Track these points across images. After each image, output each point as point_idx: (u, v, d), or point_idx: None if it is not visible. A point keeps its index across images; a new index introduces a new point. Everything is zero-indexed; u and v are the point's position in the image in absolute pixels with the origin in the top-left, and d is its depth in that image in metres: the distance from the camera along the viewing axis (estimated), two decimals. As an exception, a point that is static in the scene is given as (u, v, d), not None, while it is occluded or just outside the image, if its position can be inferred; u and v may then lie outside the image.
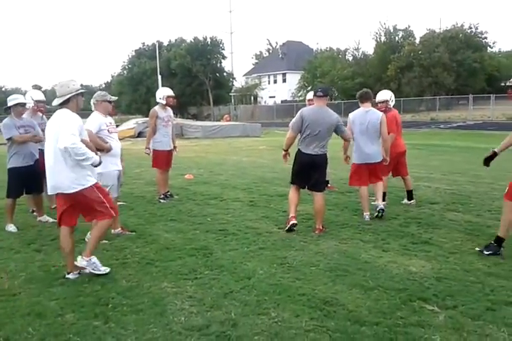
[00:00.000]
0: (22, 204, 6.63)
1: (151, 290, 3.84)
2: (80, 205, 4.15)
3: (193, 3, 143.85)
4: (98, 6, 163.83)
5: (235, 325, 3.21)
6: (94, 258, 4.19)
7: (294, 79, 53.95)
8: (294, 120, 5.57)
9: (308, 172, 5.47)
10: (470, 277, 3.96)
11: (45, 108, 6.76)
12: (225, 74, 54.06)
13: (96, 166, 4.15)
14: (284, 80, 59.66)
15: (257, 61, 77.46)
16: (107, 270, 4.20)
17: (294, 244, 5.01)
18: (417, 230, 5.47)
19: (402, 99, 34.62)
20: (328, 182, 8.19)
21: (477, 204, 6.84)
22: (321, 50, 54.40)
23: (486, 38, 45.79)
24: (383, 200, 6.60)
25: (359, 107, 6.32)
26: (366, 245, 4.94)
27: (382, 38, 47.09)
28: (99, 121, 5.28)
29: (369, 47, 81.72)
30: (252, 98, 57.83)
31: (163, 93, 7.41)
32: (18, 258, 4.75)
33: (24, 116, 6.41)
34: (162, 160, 7.38)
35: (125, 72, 56.00)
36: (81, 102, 4.25)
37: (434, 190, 7.93)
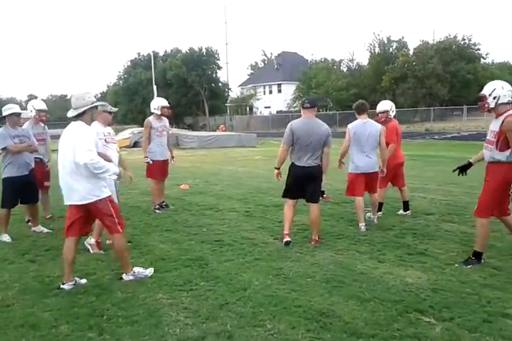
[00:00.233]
0: (16, 214, 6.59)
1: (146, 301, 3.82)
2: (90, 217, 4.22)
3: (189, 14, 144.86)
4: (94, 16, 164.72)
5: (231, 336, 3.19)
6: (136, 268, 4.38)
7: (289, 89, 54.23)
8: (284, 134, 5.49)
9: (303, 184, 5.44)
10: (466, 288, 3.96)
11: (47, 117, 6.78)
12: (220, 84, 54.35)
13: (118, 178, 4.28)
14: (280, 91, 59.92)
15: (252, 71, 77.87)
16: (151, 271, 4.43)
17: (290, 255, 5.00)
18: (412, 241, 5.47)
19: (396, 109, 34.75)
20: (323, 192, 8.22)
21: (472, 215, 6.83)
22: (315, 60, 54.80)
23: (479, 49, 46.35)
24: (380, 210, 6.69)
25: (355, 118, 6.37)
26: (362, 256, 4.94)
27: (377, 49, 47.57)
28: (96, 130, 5.28)
29: (363, 59, 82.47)
30: (248, 108, 58.07)
31: (157, 103, 7.44)
32: (12, 269, 4.72)
33: (25, 125, 6.44)
34: (156, 170, 7.38)
35: (121, 82, 56.18)
36: (95, 115, 4.37)
37: (429, 201, 7.95)
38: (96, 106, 4.34)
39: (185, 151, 20.97)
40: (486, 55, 48.14)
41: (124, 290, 4.05)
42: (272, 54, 75.88)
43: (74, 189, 4.06)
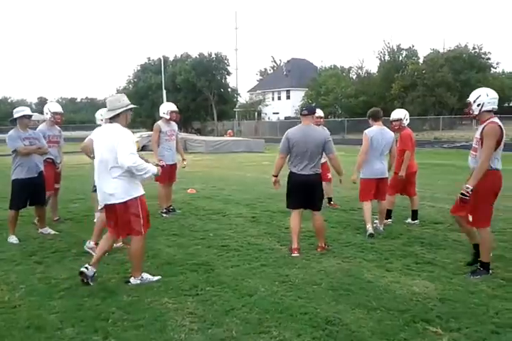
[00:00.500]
0: (24, 215, 6.62)
1: (151, 305, 3.81)
2: (120, 217, 4.24)
3: (199, 19, 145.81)
4: (105, 19, 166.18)
5: (236, 343, 3.17)
6: (145, 275, 4.37)
7: (297, 96, 54.27)
8: (281, 142, 5.41)
9: (304, 193, 5.32)
10: (474, 299, 3.91)
11: (62, 120, 6.84)
12: (229, 90, 54.53)
13: (156, 175, 4.32)
14: (288, 97, 59.98)
15: (261, 77, 78.10)
16: (159, 278, 4.42)
17: (296, 261, 4.98)
18: (420, 250, 5.43)
19: (407, 118, 34.71)
20: (330, 199, 8.21)
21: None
22: (325, 67, 54.85)
23: (489, 58, 46.16)
24: (389, 218, 6.74)
25: (364, 125, 6.48)
26: (369, 264, 4.90)
27: (386, 57, 47.53)
28: None
29: (373, 66, 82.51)
30: (256, 114, 58.15)
31: (167, 108, 7.48)
32: (18, 270, 4.74)
33: (40, 127, 6.50)
34: (164, 174, 7.35)
35: (130, 86, 56.53)
36: (129, 117, 4.39)
37: (437, 210, 7.89)
38: (131, 109, 4.38)
39: (192, 156, 20.99)
40: (497, 64, 47.90)
41: (129, 294, 4.05)
42: (281, 60, 76.11)
43: (111, 188, 4.15)
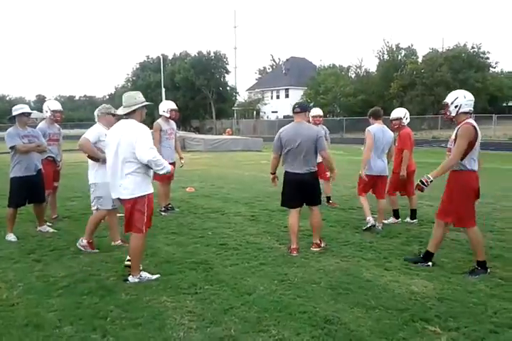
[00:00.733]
0: (23, 213, 6.61)
1: (150, 304, 3.81)
2: (126, 212, 4.29)
3: (199, 17, 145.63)
4: (104, 18, 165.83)
5: (235, 342, 3.16)
6: (143, 273, 4.37)
7: (296, 94, 54.26)
8: (273, 142, 5.40)
9: (300, 192, 5.28)
10: (472, 298, 3.92)
11: (62, 118, 6.82)
12: (228, 88, 54.53)
13: (167, 173, 4.40)
14: (287, 96, 59.96)
15: (260, 76, 78.09)
16: (158, 276, 4.41)
17: (295, 260, 4.97)
18: (418, 249, 5.42)
19: (405, 117, 34.75)
20: (329, 198, 8.22)
21: (479, 224, 6.72)
22: (324, 66, 54.83)
23: (488, 58, 46.20)
24: (398, 217, 6.84)
25: (363, 124, 6.57)
26: (368, 263, 4.90)
27: (385, 56, 47.54)
28: (99, 132, 5.33)
29: (372, 65, 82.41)
30: (255, 112, 58.13)
31: (166, 106, 7.46)
32: (17, 268, 4.72)
33: (40, 125, 6.49)
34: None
35: (129, 84, 56.54)
36: (144, 114, 4.48)
37: (436, 209, 7.87)
38: (145, 106, 4.45)
39: (191, 154, 21.00)
40: (496, 63, 47.96)
41: (128, 292, 4.04)
42: (280, 59, 76.15)
43: (123, 184, 4.22)
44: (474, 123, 4.54)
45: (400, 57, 47.09)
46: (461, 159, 4.53)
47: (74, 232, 6.05)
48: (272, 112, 58.26)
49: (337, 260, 5.01)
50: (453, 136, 4.64)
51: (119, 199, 4.37)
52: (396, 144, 6.74)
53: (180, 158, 7.70)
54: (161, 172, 4.29)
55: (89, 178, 5.39)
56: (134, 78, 55.84)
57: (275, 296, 3.94)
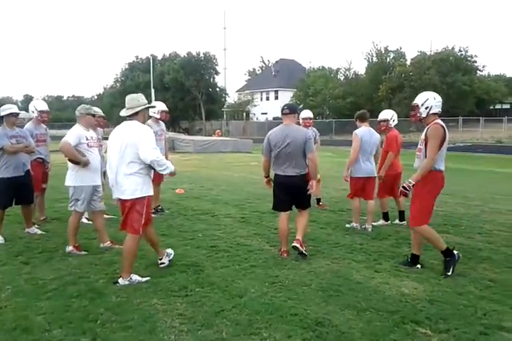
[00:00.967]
0: (10, 215, 6.52)
1: (140, 306, 3.78)
2: (124, 210, 4.34)
3: (188, 18, 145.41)
4: (93, 17, 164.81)
5: (227, 344, 3.15)
6: (133, 276, 4.33)
7: (286, 96, 54.33)
8: (263, 144, 5.35)
9: (290, 195, 5.22)
10: (462, 300, 3.95)
11: (49, 118, 6.75)
12: (217, 89, 54.54)
13: (172, 175, 4.47)
14: (277, 97, 60.03)
15: (249, 77, 78.13)
16: (148, 278, 4.40)
17: (286, 262, 4.97)
18: (408, 251, 5.42)
19: (393, 119, 35.00)
20: (319, 200, 8.23)
21: (467, 226, 6.87)
22: (313, 68, 55.03)
23: (475, 61, 46.70)
24: (386, 220, 6.90)
25: (351, 126, 6.68)
26: (358, 265, 4.92)
27: (374, 59, 47.85)
28: (79, 134, 5.29)
29: (360, 67, 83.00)
30: (244, 114, 58.16)
31: (157, 107, 7.42)
32: (4, 271, 4.66)
33: (27, 126, 6.42)
34: (154, 174, 7.33)
35: (118, 84, 56.30)
36: (146, 116, 4.60)
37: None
38: (148, 108, 4.54)
39: (180, 155, 20.92)
40: (483, 67, 48.55)
41: (118, 295, 4.01)
42: (269, 61, 76.26)
43: (124, 185, 4.27)
44: (443, 124, 4.61)
45: (388, 59, 47.41)
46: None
47: (62, 234, 5.97)
48: (262, 114, 58.31)
49: (328, 262, 5.01)
50: (422, 137, 4.69)
51: (119, 199, 4.38)
52: (383, 146, 6.80)
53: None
54: (164, 173, 4.35)
55: (66, 180, 5.36)
56: (122, 78, 55.60)
57: (266, 298, 3.93)
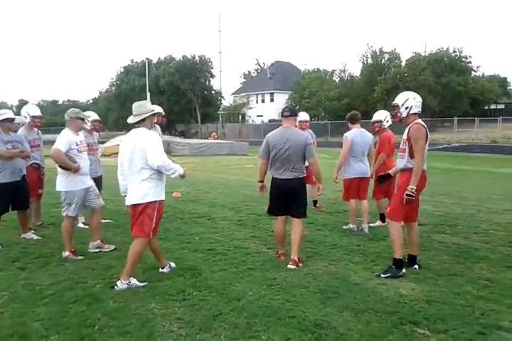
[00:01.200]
0: (6, 220, 6.49)
1: (138, 311, 3.76)
2: (135, 215, 4.36)
3: (183, 22, 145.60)
4: (88, 21, 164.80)
5: (225, 348, 3.15)
6: (132, 280, 4.34)
7: (281, 98, 54.45)
8: (261, 146, 5.23)
9: (286, 198, 5.06)
10: (460, 300, 3.95)
11: (42, 123, 6.72)
12: (213, 92, 54.55)
13: (182, 177, 4.47)
14: (272, 100, 60.14)
15: (245, 80, 78.16)
16: (146, 283, 4.40)
17: (284, 264, 4.96)
18: (405, 252, 5.42)
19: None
20: (316, 202, 8.24)
21: (464, 226, 6.89)
22: (308, 70, 55.12)
23: (470, 62, 46.84)
24: (383, 221, 6.84)
25: (346, 128, 6.81)
26: (356, 266, 4.92)
27: (369, 60, 47.95)
28: (69, 139, 5.28)
29: (355, 69, 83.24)
30: (240, 117, 58.19)
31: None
32: (1, 277, 4.64)
33: (20, 131, 6.40)
34: None
35: (113, 88, 56.19)
36: (153, 122, 4.64)
37: (421, 212, 7.83)
38: (155, 114, 4.60)
39: (176, 158, 20.88)
40: (477, 67, 48.65)
41: (115, 300, 3.99)
42: (264, 63, 76.39)
43: (135, 191, 4.33)
44: (424, 124, 4.63)
45: (383, 61, 47.49)
46: (411, 158, 4.60)
47: (59, 239, 5.94)
48: (257, 116, 58.39)
49: (325, 264, 5.02)
50: (404, 137, 4.70)
51: (131, 205, 4.39)
52: (376, 147, 6.82)
53: None
54: (173, 176, 4.37)
55: (57, 185, 5.37)
56: (118, 82, 55.49)
57: (264, 301, 3.93)
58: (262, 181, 5.31)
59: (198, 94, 50.05)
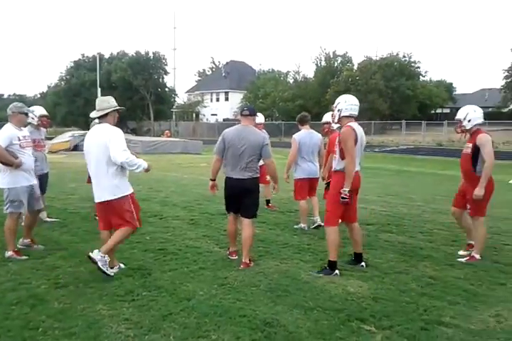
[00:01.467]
0: None
1: (84, 312, 3.66)
2: (113, 212, 4.49)
3: (137, 17, 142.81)
4: (37, 12, 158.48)
5: (174, 348, 3.11)
6: (107, 257, 4.44)
7: (236, 98, 54.55)
8: (216, 143, 5.14)
9: (238, 197, 5.00)
10: (405, 297, 4.09)
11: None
12: (166, 89, 53.87)
13: (147, 171, 4.56)
14: (227, 99, 60.11)
15: (200, 78, 77.64)
16: (112, 274, 4.47)
17: (235, 264, 4.97)
18: (353, 250, 5.58)
19: (339, 122, 35.78)
20: (268, 201, 8.30)
21: (410, 225, 7.13)
22: (263, 71, 55.48)
23: (418, 67, 48.69)
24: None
25: (298, 129, 6.94)
26: (306, 265, 4.99)
27: (322, 63, 48.84)
28: (10, 134, 5.07)
29: (309, 71, 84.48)
30: (194, 115, 57.76)
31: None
32: None
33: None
34: None
35: (62, 83, 54.37)
36: (116, 118, 4.64)
37: (369, 212, 8.18)
38: (118, 110, 4.60)
39: (128, 156, 20.48)
40: (425, 72, 50.66)
41: (61, 301, 3.87)
42: (220, 62, 76.12)
43: (104, 187, 4.42)
44: (354, 126, 4.69)
45: (336, 64, 48.52)
46: (342, 159, 4.71)
47: (1, 239, 5.71)
48: (212, 115, 58.17)
49: (276, 262, 5.06)
50: (337, 140, 4.84)
51: (102, 202, 4.46)
52: (326, 148, 6.96)
53: None
54: (137, 171, 4.44)
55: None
56: (67, 77, 53.70)
57: (215, 301, 3.92)
58: (214, 180, 5.21)
59: (151, 91, 49.31)
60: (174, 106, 56.37)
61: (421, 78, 49.77)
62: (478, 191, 5.00)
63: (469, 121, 5.22)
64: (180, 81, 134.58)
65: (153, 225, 6.79)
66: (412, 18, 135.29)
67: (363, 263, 4.98)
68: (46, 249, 5.40)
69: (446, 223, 7.25)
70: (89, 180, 7.07)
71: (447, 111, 54.22)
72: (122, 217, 4.46)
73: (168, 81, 55.87)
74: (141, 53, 50.66)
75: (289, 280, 4.48)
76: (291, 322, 3.54)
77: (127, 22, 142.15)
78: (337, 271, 4.69)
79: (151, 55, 50.75)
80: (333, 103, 4.94)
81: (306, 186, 6.76)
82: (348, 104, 4.77)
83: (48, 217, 6.97)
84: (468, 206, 5.27)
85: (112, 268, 4.59)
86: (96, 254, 4.36)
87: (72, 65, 54.42)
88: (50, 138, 23.08)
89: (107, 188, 4.41)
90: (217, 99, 61.66)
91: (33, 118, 6.32)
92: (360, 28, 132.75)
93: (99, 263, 4.34)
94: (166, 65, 52.57)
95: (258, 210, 5.23)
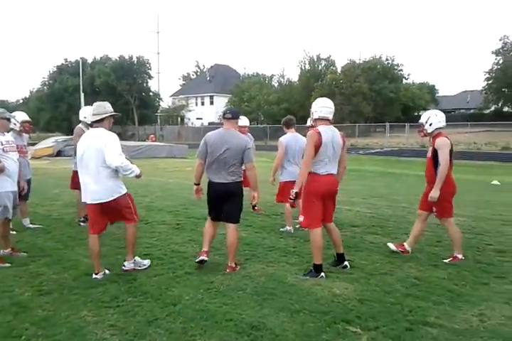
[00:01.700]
0: None
1: (69, 319, 3.62)
2: (111, 212, 4.63)
3: (120, 21, 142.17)
4: (17, 16, 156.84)
5: (160, 354, 3.09)
6: (136, 258, 4.83)
7: (221, 101, 54.49)
8: (199, 147, 5.02)
9: (221, 202, 4.92)
10: (390, 298, 4.12)
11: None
12: (151, 94, 53.75)
13: (138, 177, 4.72)
14: (212, 102, 60.05)
15: (184, 82, 77.45)
16: (149, 261, 4.98)
17: (221, 268, 4.95)
18: (335, 251, 5.61)
19: (324, 125, 35.98)
20: (255, 205, 8.30)
21: (395, 227, 7.19)
22: (248, 74, 55.60)
23: (401, 70, 49.28)
24: None
25: (283, 132, 7.00)
26: (292, 268, 5.00)
27: (307, 66, 49.13)
28: None
29: (294, 75, 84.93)
30: (179, 119, 57.59)
31: (89, 112, 7.14)
32: None
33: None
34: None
35: (45, 88, 53.94)
36: (111, 123, 4.78)
37: (354, 214, 8.24)
38: (113, 115, 4.73)
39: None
40: (408, 75, 51.26)
41: (45, 308, 3.82)
42: (204, 66, 76.05)
43: (99, 189, 4.49)
44: (321, 129, 4.67)
45: (320, 67, 48.86)
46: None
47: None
48: (197, 119, 58.03)
49: (262, 265, 5.06)
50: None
51: (97, 204, 4.52)
52: None
53: None
54: (130, 176, 4.57)
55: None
56: (50, 82, 53.29)
57: (201, 305, 3.90)
58: (199, 184, 5.15)
59: (135, 96, 49.11)
60: (159, 111, 56.17)
61: (404, 81, 50.38)
62: (433, 193, 5.18)
63: (430, 124, 5.38)
64: (164, 85, 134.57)
65: (138, 230, 6.64)
66: (394, 21, 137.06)
67: (346, 263, 5.00)
68: (30, 255, 5.34)
69: (430, 224, 7.31)
70: (72, 186, 7.10)
71: (430, 113, 54.79)
72: (121, 213, 4.65)
73: (153, 85, 55.65)
74: (124, 57, 50.51)
75: (275, 283, 4.48)
76: (278, 325, 3.54)
77: (110, 26, 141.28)
78: (323, 274, 4.70)
79: (134, 59, 50.64)
80: None
81: (290, 189, 6.72)
82: (318, 106, 4.80)
83: (31, 224, 6.89)
84: (434, 209, 5.38)
85: (96, 274, 4.57)
86: (128, 265, 4.74)
87: (55, 69, 54.07)
88: (33, 144, 22.83)
89: (104, 190, 4.49)
90: (202, 103, 61.58)
91: (15, 124, 6.25)
92: (344, 32, 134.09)
93: (138, 268, 4.76)
94: (150, 69, 52.53)
95: (243, 214, 5.22)
